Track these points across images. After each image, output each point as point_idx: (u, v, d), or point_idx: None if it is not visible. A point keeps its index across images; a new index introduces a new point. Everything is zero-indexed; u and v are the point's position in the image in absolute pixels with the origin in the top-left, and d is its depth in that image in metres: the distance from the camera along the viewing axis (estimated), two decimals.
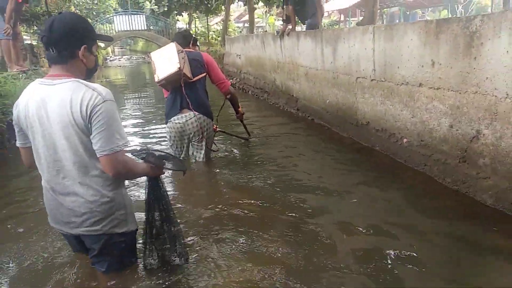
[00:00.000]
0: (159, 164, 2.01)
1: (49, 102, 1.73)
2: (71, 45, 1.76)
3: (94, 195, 1.83)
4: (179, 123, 3.89)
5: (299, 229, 2.83)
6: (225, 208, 3.16)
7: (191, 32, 11.55)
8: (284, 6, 7.09)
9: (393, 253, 2.48)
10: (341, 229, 2.83)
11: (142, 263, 2.23)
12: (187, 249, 2.40)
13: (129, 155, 1.94)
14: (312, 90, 6.26)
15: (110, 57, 29.88)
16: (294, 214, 3.05)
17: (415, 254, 2.47)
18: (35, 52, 9.34)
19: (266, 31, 24.51)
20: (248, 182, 3.76)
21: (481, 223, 2.85)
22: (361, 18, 17.46)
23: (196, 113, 3.86)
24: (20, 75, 6.99)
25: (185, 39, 4.14)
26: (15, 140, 1.93)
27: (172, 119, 3.92)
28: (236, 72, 11.40)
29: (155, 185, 2.11)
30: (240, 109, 4.69)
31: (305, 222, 2.92)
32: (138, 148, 2.29)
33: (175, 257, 2.24)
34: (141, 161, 1.99)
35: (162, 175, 2.12)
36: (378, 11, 12.87)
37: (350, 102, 5.03)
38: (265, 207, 3.20)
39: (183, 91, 3.79)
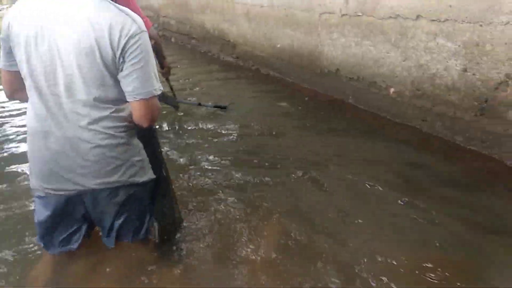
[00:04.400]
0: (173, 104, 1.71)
1: (64, 18, 1.34)
2: None
3: (106, 138, 1.46)
4: None
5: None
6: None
7: None
8: None
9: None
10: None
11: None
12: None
13: None
14: (255, 33, 5.18)
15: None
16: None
17: None
18: None
19: None
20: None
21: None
22: None
23: None
24: None
25: None
26: None
27: None
28: (153, 17, 9.76)
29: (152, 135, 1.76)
30: (165, 61, 3.37)
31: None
32: None
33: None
34: None
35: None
36: None
37: (312, 45, 4.08)
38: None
39: None
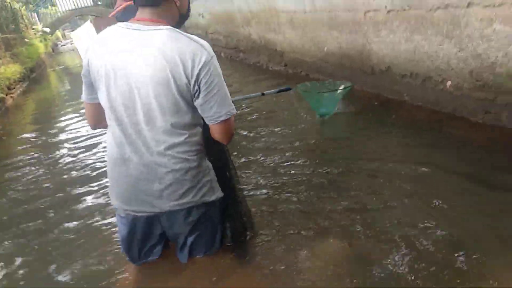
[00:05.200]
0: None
1: (138, 51, 1.44)
2: None
3: (178, 163, 1.56)
4: None
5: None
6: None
7: None
8: None
9: None
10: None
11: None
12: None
13: None
14: (301, 39, 5.15)
15: (61, 41, 27.63)
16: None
17: None
18: None
19: None
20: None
21: None
22: None
23: None
24: None
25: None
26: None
27: None
28: (201, 34, 10.08)
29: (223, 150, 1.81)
30: None
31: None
32: None
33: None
34: None
35: None
36: None
37: (359, 44, 3.97)
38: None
39: None
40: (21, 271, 2.07)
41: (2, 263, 2.16)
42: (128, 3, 2.14)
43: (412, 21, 3.20)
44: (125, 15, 2.16)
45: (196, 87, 1.45)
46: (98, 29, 2.18)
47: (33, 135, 5.06)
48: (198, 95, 1.47)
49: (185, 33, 1.47)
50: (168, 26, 1.47)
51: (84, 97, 1.64)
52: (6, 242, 2.38)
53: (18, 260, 2.17)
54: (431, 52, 3.12)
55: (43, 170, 3.54)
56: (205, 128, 1.62)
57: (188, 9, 1.65)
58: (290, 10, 5.19)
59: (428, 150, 2.67)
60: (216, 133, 1.56)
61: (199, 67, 1.42)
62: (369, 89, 4.03)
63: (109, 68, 1.47)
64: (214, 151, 1.73)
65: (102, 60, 1.48)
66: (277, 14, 5.60)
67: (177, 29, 1.49)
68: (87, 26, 2.17)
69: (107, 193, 2.67)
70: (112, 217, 2.38)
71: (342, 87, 3.40)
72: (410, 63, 3.37)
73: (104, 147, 3.78)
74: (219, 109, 1.50)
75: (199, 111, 1.52)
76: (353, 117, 3.53)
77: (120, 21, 2.04)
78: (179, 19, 1.58)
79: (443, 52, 3.02)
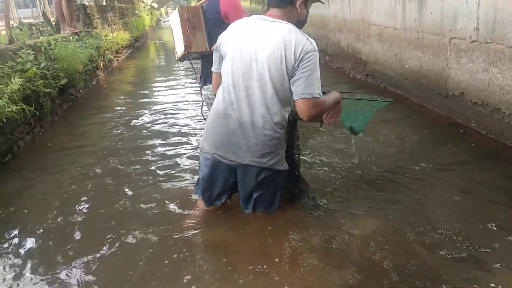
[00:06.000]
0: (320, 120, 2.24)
1: (265, 33, 1.96)
2: None
3: (269, 129, 2.01)
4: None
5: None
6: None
7: None
8: None
9: None
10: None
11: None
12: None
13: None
14: (387, 53, 5.43)
15: (164, 18, 29.63)
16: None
17: None
18: (88, 13, 9.03)
19: None
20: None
21: None
22: None
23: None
24: (71, 37, 6.70)
25: None
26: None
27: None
28: None
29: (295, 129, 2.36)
30: None
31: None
32: None
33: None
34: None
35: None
36: None
37: (439, 68, 4.21)
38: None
39: (205, 65, 2.72)
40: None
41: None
42: None
43: (491, 54, 3.40)
44: (210, 5, 2.57)
45: (297, 67, 1.91)
46: (182, 16, 2.53)
47: (128, 93, 6.54)
48: (295, 73, 1.92)
49: (301, 31, 1.98)
50: (290, 23, 1.97)
51: (213, 68, 2.22)
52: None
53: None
54: (504, 86, 3.31)
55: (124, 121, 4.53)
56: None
57: (305, 19, 2.11)
58: (381, 24, 5.48)
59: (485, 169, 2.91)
60: (298, 107, 1.97)
61: (304, 53, 1.89)
62: (439, 111, 4.25)
63: (237, 46, 2.00)
64: (291, 127, 2.24)
65: (229, 36, 2.05)
66: (368, 26, 5.90)
67: (295, 26, 1.98)
68: (176, 12, 2.59)
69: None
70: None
71: (380, 99, 2.68)
72: (483, 92, 3.57)
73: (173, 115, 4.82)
74: (303, 88, 1.92)
75: (291, 87, 1.96)
76: (419, 134, 3.80)
77: (205, 10, 2.54)
78: (296, 23, 2.03)
79: None
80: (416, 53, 4.64)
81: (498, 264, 1.92)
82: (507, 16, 3.18)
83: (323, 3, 2.30)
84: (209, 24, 2.59)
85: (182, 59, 2.69)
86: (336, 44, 7.46)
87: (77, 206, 2.67)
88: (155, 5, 22.37)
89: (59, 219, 2.51)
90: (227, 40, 2.06)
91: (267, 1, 2.10)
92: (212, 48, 2.53)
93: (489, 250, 2.03)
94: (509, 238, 2.12)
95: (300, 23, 2.07)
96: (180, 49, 2.64)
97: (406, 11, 4.75)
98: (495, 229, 2.21)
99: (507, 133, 3.35)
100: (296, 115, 2.10)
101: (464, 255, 1.99)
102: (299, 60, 1.89)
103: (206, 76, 2.75)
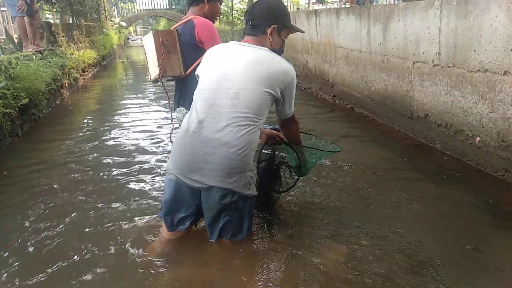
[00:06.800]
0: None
1: (243, 57, 1.97)
2: (264, 22, 2.05)
3: (236, 146, 1.93)
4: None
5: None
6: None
7: None
8: None
9: None
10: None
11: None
12: None
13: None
14: (353, 75, 5.54)
15: (132, 36, 29.42)
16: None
17: None
18: (53, 31, 8.81)
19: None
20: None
21: None
22: None
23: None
24: (34, 56, 6.50)
25: None
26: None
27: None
28: None
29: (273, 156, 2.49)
30: None
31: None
32: None
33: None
34: None
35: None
36: None
37: (404, 90, 4.32)
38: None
39: (179, 88, 2.74)
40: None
41: None
42: (189, 18, 2.57)
43: (454, 77, 3.52)
44: (184, 29, 2.57)
45: (282, 92, 2.01)
46: (157, 40, 2.48)
47: (94, 112, 6.34)
48: (280, 99, 2.03)
49: (278, 56, 2.04)
50: (268, 49, 2.02)
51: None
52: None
53: None
54: (466, 108, 3.42)
55: (90, 135, 4.22)
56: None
57: (281, 48, 2.14)
58: (347, 47, 5.61)
59: (451, 189, 2.97)
60: (282, 124, 2.26)
61: (290, 80, 2.00)
62: (405, 131, 4.35)
63: (213, 63, 2.04)
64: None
65: (212, 59, 2.07)
66: (335, 49, 6.03)
67: (274, 53, 2.03)
68: (150, 35, 2.51)
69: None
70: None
71: (331, 148, 2.58)
72: (446, 114, 3.68)
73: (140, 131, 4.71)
74: (287, 110, 2.13)
75: (276, 110, 2.13)
76: (383, 155, 3.86)
77: (179, 34, 2.54)
78: (273, 51, 2.05)
79: (476, 110, 3.31)
80: (381, 75, 4.76)
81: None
82: (467, 41, 3.31)
83: (303, 32, 2.29)
84: (184, 48, 2.55)
85: (155, 81, 2.60)
86: (304, 65, 7.57)
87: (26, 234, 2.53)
88: (124, 24, 22.20)
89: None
90: (203, 65, 2.10)
91: (243, 31, 2.15)
92: (187, 72, 2.52)
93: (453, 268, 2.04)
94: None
95: (276, 52, 2.08)
96: (153, 72, 2.57)
97: (371, 35, 4.89)
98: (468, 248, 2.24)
99: (471, 154, 3.44)
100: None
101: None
102: (286, 86, 1.99)
103: (179, 98, 2.73)
